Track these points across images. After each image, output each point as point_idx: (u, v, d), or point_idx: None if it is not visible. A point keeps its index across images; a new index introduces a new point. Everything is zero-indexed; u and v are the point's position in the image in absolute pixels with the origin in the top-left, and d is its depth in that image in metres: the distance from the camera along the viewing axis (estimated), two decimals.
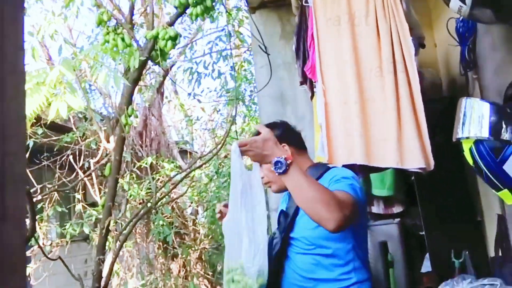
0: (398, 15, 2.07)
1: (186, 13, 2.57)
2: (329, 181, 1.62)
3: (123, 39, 2.49)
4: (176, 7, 2.51)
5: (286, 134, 1.80)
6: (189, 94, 6.69)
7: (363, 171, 2.41)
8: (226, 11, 4.31)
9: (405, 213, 3.12)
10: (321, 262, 1.63)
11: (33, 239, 4.59)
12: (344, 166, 2.29)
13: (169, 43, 2.40)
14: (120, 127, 2.64)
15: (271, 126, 1.85)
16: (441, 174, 2.30)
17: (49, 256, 5.10)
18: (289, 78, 3.52)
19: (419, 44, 2.36)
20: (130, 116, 2.63)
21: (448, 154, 2.17)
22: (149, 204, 4.17)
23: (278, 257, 1.71)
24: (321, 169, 1.74)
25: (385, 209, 3.15)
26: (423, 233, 2.80)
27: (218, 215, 1.89)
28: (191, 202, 6.74)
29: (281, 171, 1.48)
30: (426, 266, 2.86)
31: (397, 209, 3.13)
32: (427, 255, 2.82)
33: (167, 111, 8.89)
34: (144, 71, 5.25)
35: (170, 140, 8.29)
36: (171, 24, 2.67)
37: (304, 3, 2.45)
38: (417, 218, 2.96)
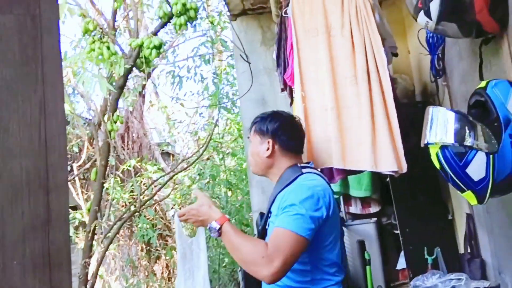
0: (371, 27, 2.20)
1: (170, 22, 2.66)
2: (280, 204, 1.66)
3: (108, 48, 2.57)
4: (160, 17, 2.60)
5: (276, 130, 1.84)
6: (172, 98, 6.76)
7: (341, 173, 2.54)
8: (207, 17, 4.39)
9: (381, 213, 3.26)
10: None
11: None
12: (322, 168, 2.43)
13: (154, 51, 2.49)
14: (105, 132, 2.71)
15: (271, 115, 1.88)
16: (414, 176, 2.44)
17: None
18: (270, 83, 3.64)
19: (392, 53, 2.50)
20: (115, 122, 2.70)
21: (421, 156, 2.29)
22: (133, 207, 4.23)
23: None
24: (295, 174, 1.76)
25: (362, 209, 3.29)
26: (398, 231, 2.94)
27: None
28: (174, 204, 6.81)
29: (214, 235, 1.62)
30: (401, 263, 3.00)
31: (374, 209, 3.27)
32: (402, 252, 2.96)
33: (149, 113, 8.93)
34: None
35: (152, 142, 8.32)
36: (155, 33, 2.76)
37: (283, 14, 2.56)
38: (393, 217, 3.10)
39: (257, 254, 1.52)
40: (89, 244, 2.91)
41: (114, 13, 3.82)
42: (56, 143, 0.80)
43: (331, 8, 2.33)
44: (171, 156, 8.60)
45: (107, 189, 4.85)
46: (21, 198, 0.75)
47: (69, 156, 5.89)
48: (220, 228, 1.60)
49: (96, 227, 4.38)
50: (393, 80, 2.47)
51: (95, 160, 4.19)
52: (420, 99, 3.24)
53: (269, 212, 1.77)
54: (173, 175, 4.55)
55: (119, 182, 5.56)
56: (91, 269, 3.47)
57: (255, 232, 1.96)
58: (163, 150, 8.25)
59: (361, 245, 3.03)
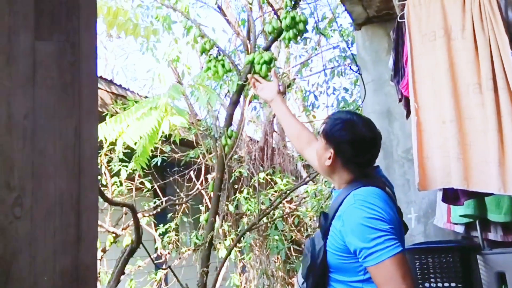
0: (498, 27, 1.90)
1: (279, 37, 2.66)
2: (345, 235, 1.52)
3: (223, 66, 2.67)
4: (269, 33, 2.62)
5: (342, 143, 1.62)
6: (307, 107, 6.79)
7: (467, 195, 2.23)
8: (321, 32, 4.29)
9: None
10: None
11: (155, 248, 5.02)
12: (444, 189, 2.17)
13: (264, 67, 2.50)
14: (220, 147, 2.81)
15: (343, 123, 1.62)
16: None
17: (175, 263, 5.55)
18: (395, 94, 3.40)
19: None
20: (230, 137, 2.78)
21: None
22: (265, 219, 4.30)
23: (323, 265, 1.59)
24: (350, 190, 1.59)
25: (504, 236, 2.85)
26: None
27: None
28: (310, 218, 6.76)
29: None
30: None
31: None
32: None
33: None
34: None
35: (294, 154, 8.43)
36: (267, 48, 2.78)
37: (399, 19, 2.38)
38: None
39: None
40: (206, 253, 3.02)
41: (248, 31, 4.01)
42: (88, 166, 0.83)
43: (450, 8, 2.08)
44: (311, 168, 8.59)
45: (238, 199, 5.05)
46: (53, 217, 0.78)
47: (208, 167, 6.26)
48: None
49: (232, 235, 4.55)
50: None
51: (230, 172, 4.38)
52: None
53: (330, 223, 1.60)
54: (296, 187, 4.52)
55: (252, 194, 5.72)
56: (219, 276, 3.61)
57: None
58: (305, 162, 8.28)
59: (501, 277, 2.62)
